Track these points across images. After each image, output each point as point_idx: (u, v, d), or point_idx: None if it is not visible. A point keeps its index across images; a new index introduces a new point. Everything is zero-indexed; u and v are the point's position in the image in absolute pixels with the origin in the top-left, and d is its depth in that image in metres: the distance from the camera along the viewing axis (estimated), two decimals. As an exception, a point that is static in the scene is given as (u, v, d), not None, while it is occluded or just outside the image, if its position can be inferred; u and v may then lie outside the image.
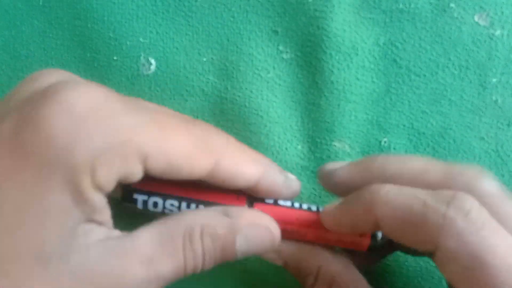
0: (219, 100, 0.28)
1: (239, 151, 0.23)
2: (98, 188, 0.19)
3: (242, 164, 0.22)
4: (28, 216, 0.18)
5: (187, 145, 0.21)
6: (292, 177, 0.24)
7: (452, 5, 0.27)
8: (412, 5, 0.27)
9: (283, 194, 0.24)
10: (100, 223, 0.20)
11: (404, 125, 0.28)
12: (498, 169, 0.28)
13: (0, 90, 0.28)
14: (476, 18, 0.27)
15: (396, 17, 0.27)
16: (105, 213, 0.20)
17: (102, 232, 0.20)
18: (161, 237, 0.21)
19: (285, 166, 0.29)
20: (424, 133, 0.28)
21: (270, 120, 0.28)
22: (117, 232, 0.21)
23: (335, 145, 0.28)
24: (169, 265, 0.21)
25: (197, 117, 0.28)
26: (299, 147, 0.29)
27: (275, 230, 0.23)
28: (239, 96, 0.28)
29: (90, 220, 0.19)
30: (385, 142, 0.28)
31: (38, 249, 0.18)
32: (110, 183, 0.19)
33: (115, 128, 0.19)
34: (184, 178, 0.21)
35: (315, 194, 0.29)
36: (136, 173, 0.20)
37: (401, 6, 0.27)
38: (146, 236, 0.20)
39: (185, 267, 0.21)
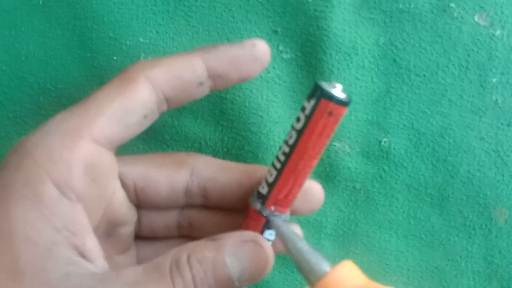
0: (219, 100, 0.28)
1: None
2: (69, 189, 0.20)
3: None
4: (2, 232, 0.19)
5: (182, 59, 0.23)
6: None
7: (452, 5, 0.27)
8: (412, 5, 0.27)
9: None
10: (87, 259, 0.20)
11: (404, 125, 0.28)
12: (498, 169, 0.29)
13: (0, 91, 0.28)
14: (476, 18, 0.27)
15: (396, 17, 0.27)
16: (94, 250, 0.21)
17: (88, 265, 0.20)
18: (146, 268, 0.20)
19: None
20: (424, 133, 0.28)
21: (270, 120, 0.28)
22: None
23: (335, 145, 0.28)
24: (155, 283, 0.20)
25: (197, 117, 0.28)
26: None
27: (264, 243, 0.22)
28: (239, 96, 0.28)
29: (76, 250, 0.20)
30: (385, 142, 0.28)
31: (12, 263, 0.19)
32: (77, 178, 0.21)
33: (52, 130, 0.22)
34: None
35: (315, 194, 0.29)
36: (95, 155, 0.22)
37: (401, 6, 0.27)
38: (131, 269, 0.20)
39: None
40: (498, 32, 0.27)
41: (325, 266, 0.21)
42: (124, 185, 0.25)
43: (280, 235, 0.23)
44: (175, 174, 0.25)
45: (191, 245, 0.21)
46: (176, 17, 0.28)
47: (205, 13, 0.27)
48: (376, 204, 0.29)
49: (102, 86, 0.22)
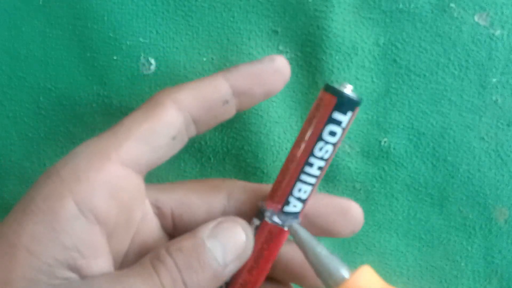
0: (219, 100, 0.28)
1: None
2: (92, 210, 0.21)
3: None
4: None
5: (208, 84, 0.24)
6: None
7: (452, 5, 0.27)
8: (412, 5, 0.27)
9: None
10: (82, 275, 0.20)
11: (404, 125, 0.28)
12: (498, 169, 0.29)
13: (0, 91, 0.28)
14: (476, 18, 0.27)
15: (396, 17, 0.27)
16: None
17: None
18: (128, 268, 0.21)
19: (285, 166, 0.29)
20: (424, 133, 0.28)
21: (270, 120, 0.28)
22: None
23: (335, 145, 0.28)
24: (139, 280, 0.20)
25: (197, 117, 0.28)
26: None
27: (239, 220, 0.22)
28: (239, 96, 0.28)
29: (78, 271, 0.20)
30: (385, 142, 0.28)
31: (6, 274, 0.19)
32: (102, 201, 0.21)
33: (82, 151, 0.22)
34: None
35: (315, 194, 0.29)
36: (121, 177, 0.22)
37: (401, 6, 0.27)
38: (115, 272, 0.21)
39: (162, 281, 0.20)
40: (498, 32, 0.27)
41: (344, 271, 0.21)
42: (161, 213, 0.25)
43: (297, 239, 0.23)
44: (212, 199, 0.25)
45: (168, 242, 0.22)
46: (176, 17, 0.28)
47: (205, 13, 0.27)
48: (376, 204, 0.29)
49: (130, 113, 0.23)
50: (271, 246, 0.23)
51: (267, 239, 0.23)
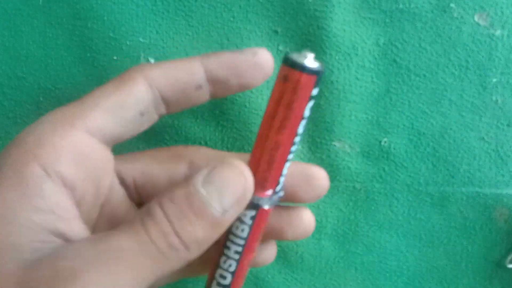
0: (219, 100, 0.28)
1: None
2: (54, 173, 0.20)
3: None
4: None
5: (183, 64, 0.23)
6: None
7: (452, 5, 0.27)
8: (412, 5, 0.27)
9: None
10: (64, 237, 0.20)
11: (404, 125, 0.28)
12: (498, 169, 0.29)
13: (0, 91, 0.28)
14: (476, 18, 0.27)
15: (396, 17, 0.27)
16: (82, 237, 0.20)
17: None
18: (116, 228, 0.20)
19: (285, 166, 0.29)
20: (424, 133, 0.28)
21: (270, 120, 0.28)
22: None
23: (335, 145, 0.28)
24: (125, 237, 0.19)
25: (197, 117, 0.28)
26: (299, 147, 0.29)
27: (235, 161, 0.21)
28: (239, 96, 0.28)
29: (60, 234, 0.20)
30: (385, 142, 0.28)
31: None
32: (64, 164, 0.20)
33: (45, 120, 0.22)
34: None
35: (315, 194, 0.29)
36: (84, 143, 0.21)
37: (401, 6, 0.27)
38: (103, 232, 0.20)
39: (150, 235, 0.19)
40: (498, 32, 0.27)
41: None
42: (124, 183, 0.25)
43: None
44: (173, 168, 0.25)
45: (159, 194, 0.20)
46: (176, 17, 0.28)
47: (205, 13, 0.27)
48: (376, 204, 0.29)
49: (101, 85, 0.23)
50: (264, 225, 0.23)
51: (264, 222, 0.23)
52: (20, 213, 0.19)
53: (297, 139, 0.22)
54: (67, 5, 0.27)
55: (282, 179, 0.23)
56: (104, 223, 0.24)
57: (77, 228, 0.21)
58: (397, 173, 0.29)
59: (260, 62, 0.23)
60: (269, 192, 0.23)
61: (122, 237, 0.19)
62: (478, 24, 0.27)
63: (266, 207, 0.23)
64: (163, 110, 0.24)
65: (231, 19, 0.28)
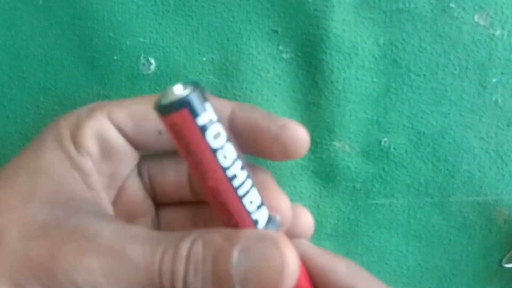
0: (219, 100, 0.28)
1: None
2: (79, 146, 0.22)
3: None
4: (23, 169, 0.21)
5: (147, 98, 0.23)
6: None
7: (452, 5, 0.27)
8: (412, 5, 0.27)
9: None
10: (91, 188, 0.22)
11: (404, 125, 0.28)
12: (498, 169, 0.29)
13: (0, 91, 0.28)
14: (476, 18, 0.27)
15: (396, 17, 0.27)
16: (96, 180, 0.22)
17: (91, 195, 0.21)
18: (158, 233, 0.19)
19: (285, 165, 0.29)
20: (424, 133, 0.28)
21: (270, 120, 0.28)
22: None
23: (335, 145, 0.28)
24: (140, 252, 0.18)
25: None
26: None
27: (286, 247, 0.18)
28: (239, 96, 0.28)
29: (94, 201, 0.21)
30: (385, 142, 0.28)
31: (29, 190, 0.21)
32: (89, 141, 0.22)
33: (87, 107, 0.23)
34: (154, 123, 0.22)
35: (315, 194, 0.29)
36: (108, 130, 0.22)
37: (401, 6, 0.27)
38: (144, 227, 0.21)
39: (160, 268, 0.18)
40: (498, 32, 0.27)
41: None
42: (139, 173, 0.25)
43: None
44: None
45: (209, 229, 0.19)
46: (176, 17, 0.28)
47: (205, 13, 0.27)
48: (376, 204, 0.29)
49: None
50: None
51: None
52: (65, 177, 0.21)
53: (231, 170, 0.19)
54: (67, 5, 0.27)
55: (257, 213, 0.20)
56: (120, 211, 0.24)
57: (106, 199, 0.23)
58: (397, 173, 0.29)
59: (286, 140, 0.21)
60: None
61: (136, 249, 0.18)
62: (478, 24, 0.27)
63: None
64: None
65: (231, 19, 0.28)
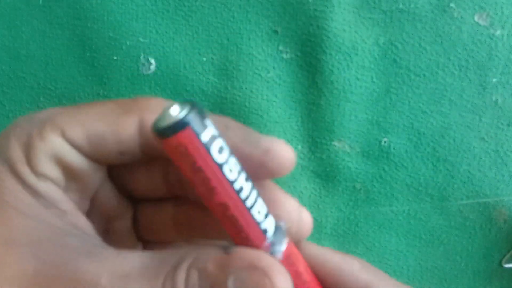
0: (219, 100, 0.28)
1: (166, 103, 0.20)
2: (37, 172, 0.19)
3: None
4: None
5: (104, 111, 0.20)
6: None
7: (452, 5, 0.27)
8: (412, 5, 0.27)
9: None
10: (62, 211, 0.20)
11: (404, 125, 0.28)
12: (498, 169, 0.29)
13: (0, 91, 0.28)
14: (476, 18, 0.27)
15: (396, 17, 0.27)
16: (66, 202, 0.20)
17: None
18: (150, 261, 0.19)
19: (285, 166, 0.29)
20: (424, 133, 0.28)
21: (270, 120, 0.28)
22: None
23: (335, 145, 0.28)
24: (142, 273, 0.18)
25: (197, 117, 0.28)
26: (299, 147, 0.29)
27: (282, 284, 0.18)
28: (239, 96, 0.28)
29: (49, 207, 0.19)
30: (385, 142, 0.28)
31: (6, 232, 0.19)
32: (47, 165, 0.19)
33: (37, 117, 0.20)
34: (114, 145, 0.20)
35: (315, 194, 0.29)
36: (65, 150, 0.20)
37: (401, 6, 0.27)
38: (133, 253, 0.19)
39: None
40: (498, 32, 0.27)
41: None
42: (110, 174, 0.23)
43: None
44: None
45: (202, 250, 0.19)
46: (176, 17, 0.28)
47: (205, 13, 0.27)
48: (376, 204, 0.29)
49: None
50: (298, 262, 0.22)
51: (293, 262, 0.21)
52: (33, 208, 0.19)
53: (238, 183, 0.19)
54: (67, 5, 0.27)
55: (265, 222, 0.20)
56: (97, 218, 0.23)
57: (83, 221, 0.21)
58: (397, 173, 0.29)
59: (271, 166, 0.20)
60: (265, 242, 0.20)
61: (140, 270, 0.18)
62: (478, 24, 0.27)
63: (278, 255, 0.20)
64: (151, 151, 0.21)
65: (231, 19, 0.28)
